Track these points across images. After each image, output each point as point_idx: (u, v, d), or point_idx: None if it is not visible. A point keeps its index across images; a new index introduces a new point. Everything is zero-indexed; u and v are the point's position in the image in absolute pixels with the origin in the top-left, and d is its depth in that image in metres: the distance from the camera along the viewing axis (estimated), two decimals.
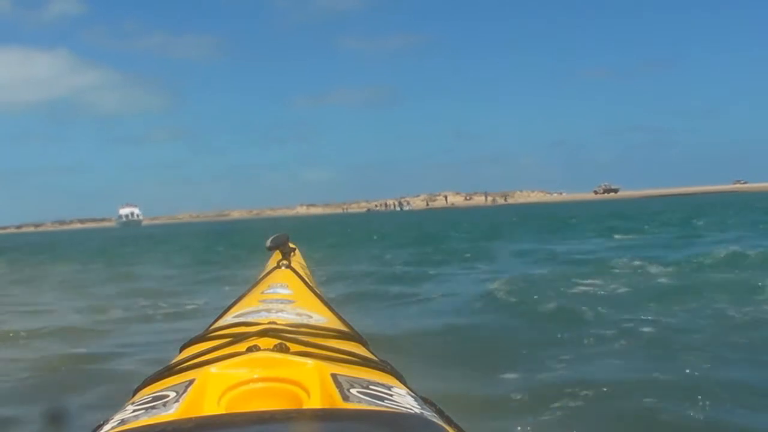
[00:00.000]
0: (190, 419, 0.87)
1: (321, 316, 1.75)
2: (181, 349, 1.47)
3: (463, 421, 1.09)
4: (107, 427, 0.99)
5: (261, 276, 2.47)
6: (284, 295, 2.02)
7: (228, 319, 1.72)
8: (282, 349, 1.12)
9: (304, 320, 1.61)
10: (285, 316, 1.63)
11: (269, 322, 1.42)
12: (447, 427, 0.96)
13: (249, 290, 2.14)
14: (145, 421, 0.92)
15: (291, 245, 2.87)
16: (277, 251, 2.78)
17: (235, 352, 1.09)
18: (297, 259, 2.95)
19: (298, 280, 2.34)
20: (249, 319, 1.58)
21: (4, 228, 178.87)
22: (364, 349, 1.45)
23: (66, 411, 3.84)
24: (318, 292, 2.16)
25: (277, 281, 2.31)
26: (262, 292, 2.10)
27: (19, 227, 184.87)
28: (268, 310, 1.71)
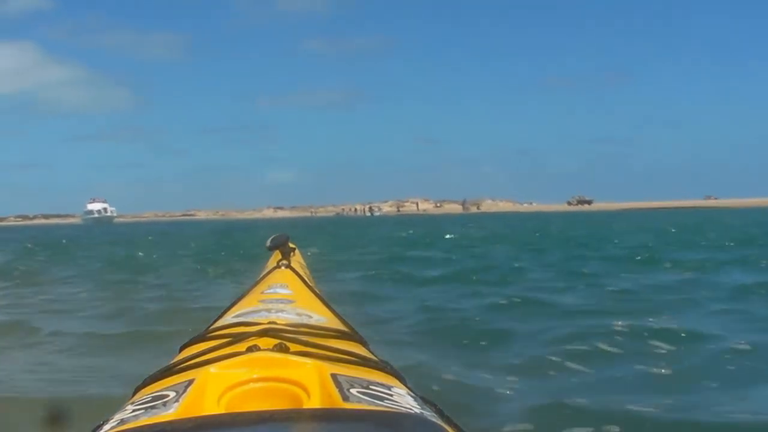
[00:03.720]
0: (189, 419, 0.87)
1: (321, 316, 1.75)
2: (181, 348, 1.47)
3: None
4: (107, 426, 0.99)
5: (261, 276, 2.47)
6: (284, 295, 2.02)
7: (228, 318, 1.72)
8: (282, 348, 1.12)
9: (304, 320, 1.61)
10: (285, 316, 1.63)
11: (269, 322, 1.42)
12: (447, 427, 0.96)
13: (249, 290, 2.14)
14: (145, 420, 0.92)
15: (291, 245, 2.88)
16: (277, 251, 2.78)
17: (235, 352, 1.09)
18: (297, 259, 2.96)
19: (298, 280, 2.35)
20: (249, 318, 1.58)
21: None
22: (364, 349, 1.45)
23: (66, 410, 3.84)
24: (318, 291, 2.17)
25: (277, 281, 2.31)
26: (262, 292, 2.10)
27: None
28: (268, 310, 1.71)
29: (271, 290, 2.12)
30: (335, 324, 1.69)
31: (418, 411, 0.99)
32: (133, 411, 1.00)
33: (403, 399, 1.04)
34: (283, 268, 2.54)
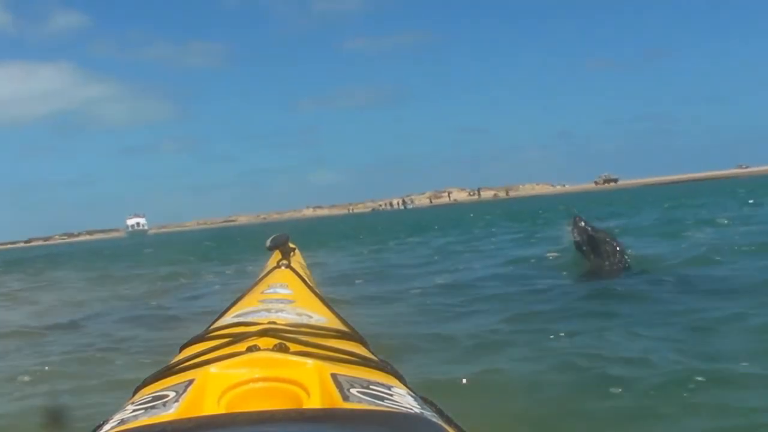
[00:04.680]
0: (189, 419, 0.87)
1: (321, 316, 1.75)
2: (181, 349, 1.47)
3: None
4: (107, 426, 0.99)
5: (261, 276, 2.47)
6: (284, 295, 2.02)
7: (228, 319, 1.72)
8: (282, 348, 1.12)
9: (304, 320, 1.61)
10: (285, 316, 1.62)
11: (269, 322, 1.42)
12: (447, 427, 0.96)
13: (249, 290, 2.14)
14: (145, 420, 0.92)
15: (291, 245, 2.88)
16: (277, 251, 2.78)
17: (235, 352, 1.09)
18: (297, 259, 2.96)
19: (298, 280, 2.34)
20: (249, 318, 1.58)
21: (14, 243, 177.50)
22: (364, 348, 1.45)
23: (65, 410, 3.84)
24: (318, 291, 2.17)
25: (276, 281, 2.31)
26: (262, 292, 2.10)
27: (28, 241, 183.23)
28: (268, 310, 1.71)
29: (271, 290, 2.12)
30: (335, 324, 1.69)
31: (418, 411, 0.99)
32: (133, 411, 1.00)
33: (403, 399, 1.04)
34: (283, 268, 2.54)
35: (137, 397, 1.14)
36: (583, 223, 8.45)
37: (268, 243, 2.78)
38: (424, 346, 4.83)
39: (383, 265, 11.94)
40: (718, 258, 8.22)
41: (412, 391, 1.16)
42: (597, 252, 8.10)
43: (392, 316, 6.40)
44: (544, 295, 6.88)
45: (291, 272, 2.48)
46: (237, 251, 19.50)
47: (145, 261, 20.95)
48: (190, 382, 1.02)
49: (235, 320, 1.60)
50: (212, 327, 1.61)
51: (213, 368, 1.00)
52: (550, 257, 9.67)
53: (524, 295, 6.98)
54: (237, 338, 1.26)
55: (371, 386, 1.04)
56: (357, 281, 9.69)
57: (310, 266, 3.40)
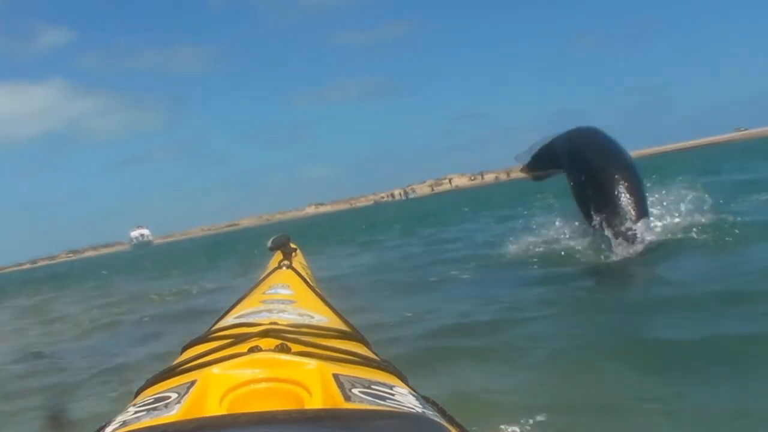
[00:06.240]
0: (192, 420, 0.87)
1: (322, 317, 1.75)
2: (183, 350, 1.47)
3: None
4: (109, 428, 0.99)
5: (262, 276, 2.47)
6: (285, 296, 2.02)
7: (229, 319, 1.72)
8: (283, 349, 1.12)
9: (306, 320, 1.61)
10: (286, 317, 1.63)
11: (270, 323, 1.42)
12: (449, 427, 0.96)
13: (250, 291, 2.14)
14: (147, 422, 0.92)
15: (292, 245, 2.88)
16: (279, 252, 2.78)
17: (237, 353, 1.09)
18: (298, 260, 2.96)
19: (300, 280, 2.35)
20: (250, 319, 1.58)
21: (20, 265, 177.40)
22: (365, 348, 1.45)
23: (67, 412, 3.84)
24: (319, 292, 2.17)
25: (278, 282, 2.31)
26: (264, 293, 2.10)
27: (34, 262, 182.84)
28: (270, 311, 1.71)
29: (273, 291, 2.12)
30: (337, 324, 1.69)
31: (419, 410, 0.99)
32: (135, 413, 1.00)
33: (404, 398, 1.04)
34: (284, 268, 2.54)
35: (139, 398, 1.14)
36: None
37: (269, 244, 2.79)
38: None
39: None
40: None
41: (413, 390, 1.16)
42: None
43: None
44: None
45: (292, 273, 2.48)
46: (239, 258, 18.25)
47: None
48: (192, 383, 1.02)
49: (237, 321, 1.60)
50: (214, 328, 1.62)
51: (215, 369, 1.00)
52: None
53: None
54: (239, 339, 1.26)
55: (373, 386, 1.04)
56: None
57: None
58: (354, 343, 1.45)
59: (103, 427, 1.03)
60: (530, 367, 3.64)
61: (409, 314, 5.55)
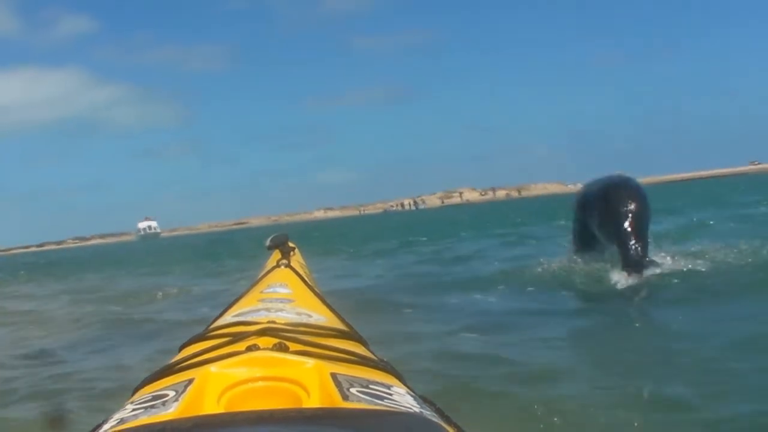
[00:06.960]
0: (189, 418, 0.87)
1: (320, 316, 1.75)
2: (181, 348, 1.47)
3: None
4: (106, 426, 0.99)
5: (260, 275, 2.47)
6: (283, 295, 2.02)
7: (227, 318, 1.72)
8: (281, 348, 1.12)
9: (304, 319, 1.61)
10: (284, 316, 1.63)
11: (268, 322, 1.42)
12: (446, 426, 0.96)
13: (248, 289, 2.14)
14: (145, 420, 0.92)
15: (291, 244, 2.88)
16: (277, 250, 2.79)
17: (235, 352, 1.09)
18: (297, 259, 2.96)
19: (298, 279, 2.35)
20: (248, 318, 1.58)
21: (27, 247, 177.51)
22: (363, 348, 1.45)
23: (65, 411, 3.84)
24: (317, 291, 2.17)
25: (276, 280, 2.31)
26: (262, 292, 2.10)
27: (41, 245, 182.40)
28: (268, 310, 1.71)
29: (271, 289, 2.12)
30: (335, 323, 1.69)
31: (417, 410, 0.99)
32: (133, 410, 1.00)
33: (402, 398, 1.04)
34: (282, 267, 2.54)
35: (137, 396, 1.14)
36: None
37: (267, 242, 2.79)
38: None
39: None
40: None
41: (411, 390, 1.16)
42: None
43: None
44: None
45: (290, 271, 2.48)
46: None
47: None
48: (190, 381, 1.02)
49: (235, 319, 1.60)
50: (212, 326, 1.61)
51: (213, 367, 1.00)
52: None
53: None
54: (236, 337, 1.26)
55: (371, 386, 1.04)
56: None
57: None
58: (352, 342, 1.45)
59: (101, 424, 1.03)
60: None
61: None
